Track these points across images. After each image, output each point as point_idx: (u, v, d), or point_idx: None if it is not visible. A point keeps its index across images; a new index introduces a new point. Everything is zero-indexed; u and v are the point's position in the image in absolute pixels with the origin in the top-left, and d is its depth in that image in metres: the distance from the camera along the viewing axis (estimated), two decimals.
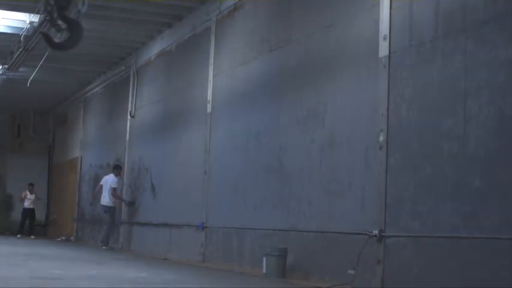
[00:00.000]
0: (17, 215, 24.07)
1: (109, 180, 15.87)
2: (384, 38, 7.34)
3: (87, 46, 14.66)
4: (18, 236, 21.79)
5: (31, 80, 16.74)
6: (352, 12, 8.09)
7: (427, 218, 6.55)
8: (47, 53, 14.02)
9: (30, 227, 22.39)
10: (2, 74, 17.55)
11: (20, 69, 16.53)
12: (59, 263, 10.86)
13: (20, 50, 14.33)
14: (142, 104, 15.45)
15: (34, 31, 12.85)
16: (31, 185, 22.29)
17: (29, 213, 22.31)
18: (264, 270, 8.71)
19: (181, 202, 12.62)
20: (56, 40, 11.52)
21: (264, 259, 8.72)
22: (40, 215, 24.62)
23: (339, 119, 8.13)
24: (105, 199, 15.89)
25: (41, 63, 14.78)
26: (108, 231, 15.84)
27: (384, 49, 7.34)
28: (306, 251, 8.52)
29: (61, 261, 11.28)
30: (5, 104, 23.28)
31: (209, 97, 11.76)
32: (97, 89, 19.54)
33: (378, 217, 7.17)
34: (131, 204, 15.44)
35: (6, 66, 16.60)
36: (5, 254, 12.80)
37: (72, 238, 20.70)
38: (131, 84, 16.02)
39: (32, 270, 8.79)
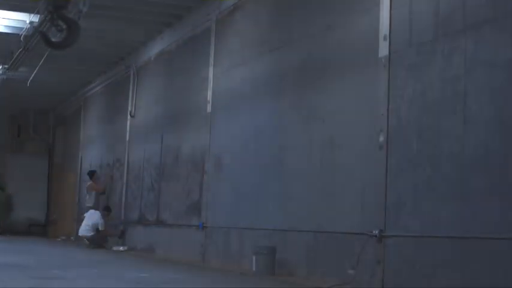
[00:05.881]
0: (17, 215, 24.11)
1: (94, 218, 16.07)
2: (384, 38, 7.33)
3: (87, 46, 14.64)
4: None
5: (31, 80, 16.72)
6: (352, 12, 8.08)
7: (427, 218, 6.54)
8: (47, 53, 14.00)
9: None
10: (2, 74, 17.54)
11: (20, 69, 16.51)
12: (59, 262, 10.86)
13: (20, 50, 14.32)
14: (142, 104, 15.45)
15: (34, 31, 12.84)
16: None
17: None
18: (254, 268, 8.83)
19: (181, 202, 12.61)
20: (54, 39, 11.55)
21: (254, 258, 8.85)
22: (40, 215, 24.64)
23: (339, 119, 8.12)
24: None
25: (41, 63, 14.76)
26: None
27: (384, 49, 7.33)
28: (306, 251, 8.51)
29: (61, 261, 11.29)
30: (5, 104, 23.26)
31: (209, 97, 11.75)
32: (97, 89, 19.53)
33: (378, 217, 7.17)
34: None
35: (6, 66, 16.59)
36: (5, 253, 12.79)
37: (72, 238, 20.68)
38: (131, 84, 16.01)
39: (31, 270, 8.78)
